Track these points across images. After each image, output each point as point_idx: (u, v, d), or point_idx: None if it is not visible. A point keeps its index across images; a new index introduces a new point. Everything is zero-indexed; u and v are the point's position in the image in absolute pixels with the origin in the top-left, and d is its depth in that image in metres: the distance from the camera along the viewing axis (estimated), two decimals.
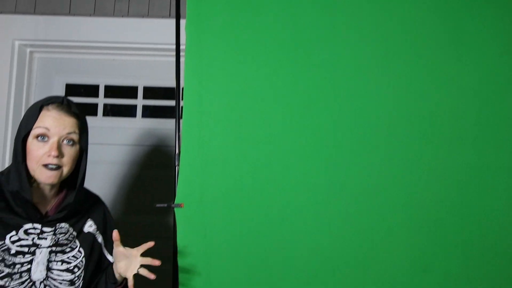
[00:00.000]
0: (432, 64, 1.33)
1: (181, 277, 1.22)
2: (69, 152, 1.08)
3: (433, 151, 1.29)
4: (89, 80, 2.00)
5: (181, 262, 1.23)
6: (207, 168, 1.26)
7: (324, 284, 1.23)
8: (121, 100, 2.01)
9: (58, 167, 1.06)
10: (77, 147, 1.11)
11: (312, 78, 1.32)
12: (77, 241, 1.13)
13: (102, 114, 1.99)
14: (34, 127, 1.05)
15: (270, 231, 1.25)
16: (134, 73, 1.99)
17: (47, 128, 1.05)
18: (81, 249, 1.12)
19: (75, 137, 1.09)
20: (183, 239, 1.24)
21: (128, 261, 1.05)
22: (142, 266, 1.03)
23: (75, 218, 1.14)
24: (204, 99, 1.30)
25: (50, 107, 1.07)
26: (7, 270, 1.00)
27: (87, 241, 1.15)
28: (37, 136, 1.05)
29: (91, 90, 2.00)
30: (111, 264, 1.16)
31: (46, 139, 1.05)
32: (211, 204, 1.25)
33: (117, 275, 1.10)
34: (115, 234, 1.05)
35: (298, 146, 1.29)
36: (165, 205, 1.28)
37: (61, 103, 1.09)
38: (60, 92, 2.00)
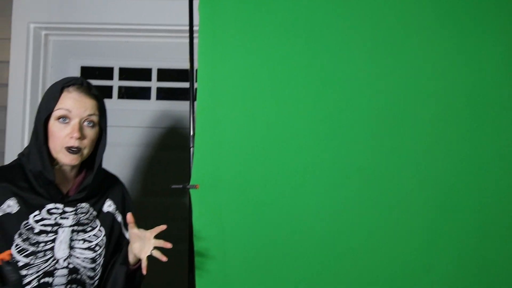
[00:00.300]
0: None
1: (196, 258, 1.24)
2: (90, 133, 1.10)
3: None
4: (103, 63, 2.01)
5: (196, 243, 1.24)
6: (221, 149, 1.27)
7: (339, 264, 1.24)
8: (135, 82, 2.01)
9: (80, 149, 1.08)
10: (96, 128, 1.13)
11: (328, 60, 1.30)
12: (97, 221, 1.16)
13: (117, 96, 2.01)
14: (55, 108, 1.06)
15: (285, 211, 1.26)
16: (148, 55, 1.98)
17: (68, 110, 1.06)
18: (101, 228, 1.15)
19: (95, 118, 1.11)
20: (198, 220, 1.25)
21: (142, 242, 1.06)
22: (155, 248, 1.04)
23: (95, 198, 1.17)
24: (218, 80, 1.29)
25: (70, 88, 1.08)
26: (31, 249, 1.03)
27: (107, 220, 1.18)
28: (58, 118, 1.07)
29: (106, 73, 2.01)
30: (127, 244, 1.18)
31: (67, 120, 1.07)
32: (226, 184, 1.26)
33: (131, 256, 1.12)
34: (129, 216, 1.07)
35: (312, 127, 1.28)
36: (181, 186, 1.29)
37: (81, 84, 1.10)
38: (76, 74, 2.01)
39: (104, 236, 1.15)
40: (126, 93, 2.04)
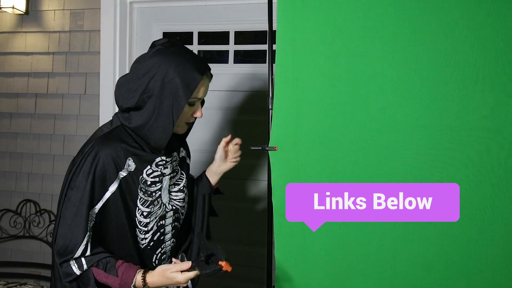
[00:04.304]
0: None
1: (276, 217, 1.27)
2: None
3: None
4: (183, 27, 2.06)
5: (275, 203, 1.27)
6: (300, 110, 1.25)
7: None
8: (213, 46, 2.04)
9: None
10: None
11: (414, 19, 1.21)
12: (178, 166, 1.29)
13: None
14: (193, 96, 1.14)
15: (365, 172, 1.23)
16: (225, 17, 1.99)
17: (200, 99, 1.18)
18: (183, 171, 1.31)
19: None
20: (277, 180, 1.27)
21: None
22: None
23: (178, 149, 1.31)
24: (297, 41, 1.26)
25: (204, 76, 1.16)
26: (150, 199, 1.17)
27: (184, 164, 1.34)
28: (190, 103, 1.16)
29: (186, 37, 2.07)
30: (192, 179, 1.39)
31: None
32: (305, 146, 1.25)
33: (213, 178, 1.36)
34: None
35: (397, 86, 1.21)
36: (260, 147, 1.31)
37: (209, 70, 1.20)
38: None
39: (185, 177, 1.30)
40: (204, 57, 2.09)
